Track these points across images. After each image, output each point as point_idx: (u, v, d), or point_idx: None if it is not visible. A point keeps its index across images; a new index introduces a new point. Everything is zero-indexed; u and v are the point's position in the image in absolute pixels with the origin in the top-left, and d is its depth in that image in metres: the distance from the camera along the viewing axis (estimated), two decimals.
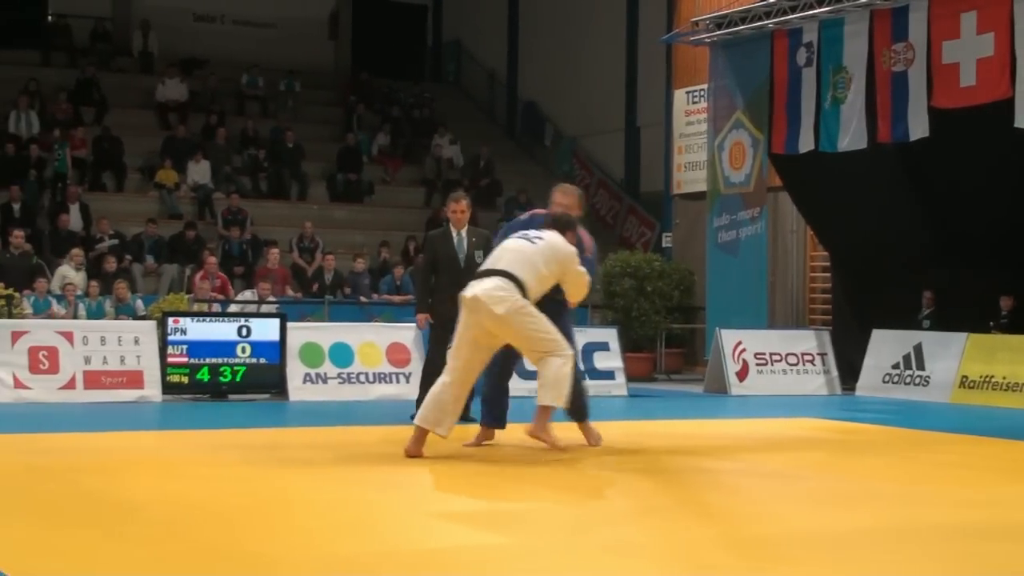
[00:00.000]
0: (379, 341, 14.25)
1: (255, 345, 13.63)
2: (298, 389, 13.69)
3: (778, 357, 15.83)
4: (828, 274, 18.17)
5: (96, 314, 15.62)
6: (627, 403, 14.24)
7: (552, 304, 8.58)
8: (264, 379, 13.74)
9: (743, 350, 15.72)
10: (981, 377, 14.46)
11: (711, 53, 17.53)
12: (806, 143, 15.81)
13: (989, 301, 15.25)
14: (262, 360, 13.65)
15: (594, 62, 25.25)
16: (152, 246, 19.79)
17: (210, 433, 10.49)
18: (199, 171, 21.93)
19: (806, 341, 16.18)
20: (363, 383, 13.95)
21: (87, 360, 13.06)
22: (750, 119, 16.75)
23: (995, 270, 15.03)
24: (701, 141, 19.07)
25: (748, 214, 16.92)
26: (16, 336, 12.95)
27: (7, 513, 6.38)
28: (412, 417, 10.85)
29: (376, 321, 16.39)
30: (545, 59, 26.84)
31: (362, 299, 18.31)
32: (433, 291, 11.09)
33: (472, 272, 11.02)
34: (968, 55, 14.02)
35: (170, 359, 13.32)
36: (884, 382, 15.39)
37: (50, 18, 27.03)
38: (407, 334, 14.15)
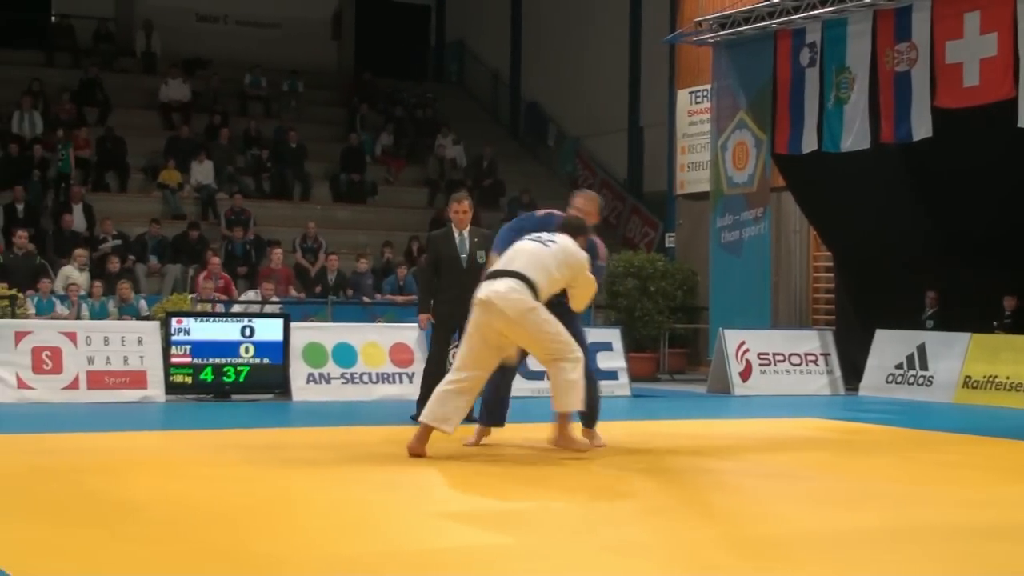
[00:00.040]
0: (382, 341, 14.25)
1: (258, 345, 13.63)
2: (301, 389, 13.69)
3: (781, 357, 15.83)
4: (831, 274, 18.17)
5: (99, 314, 15.64)
6: (630, 403, 14.24)
7: (558, 307, 8.60)
8: (267, 379, 13.74)
9: (746, 350, 15.71)
10: (984, 377, 14.45)
11: (714, 53, 17.53)
12: (809, 143, 15.81)
13: (992, 301, 15.24)
14: (265, 360, 13.65)
15: (597, 62, 25.25)
16: (155, 246, 19.80)
17: (213, 433, 10.49)
18: (202, 171, 21.94)
19: (809, 341, 16.17)
20: (366, 383, 13.95)
21: (90, 360, 13.06)
22: (753, 119, 16.75)
23: (998, 270, 15.02)
24: (704, 141, 19.07)
25: (751, 214, 16.92)
26: (20, 336, 12.94)
27: (10, 513, 6.38)
28: (412, 418, 10.90)
29: (379, 321, 16.39)
30: (548, 59, 26.84)
31: (365, 299, 18.32)
32: (435, 291, 11.09)
33: (474, 272, 11.06)
34: (971, 55, 14.02)
35: (173, 359, 13.32)
36: (887, 382, 15.38)
37: (53, 19, 27.06)
38: (410, 334, 14.14)
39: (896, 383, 15.28)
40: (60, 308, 15.64)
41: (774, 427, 11.69)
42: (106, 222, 19.65)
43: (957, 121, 14.18)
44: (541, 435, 8.92)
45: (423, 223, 22.17)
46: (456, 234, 11.09)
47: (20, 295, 15.04)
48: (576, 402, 8.42)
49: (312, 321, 15.96)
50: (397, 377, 14.01)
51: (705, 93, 19.12)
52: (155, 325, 13.76)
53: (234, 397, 13.54)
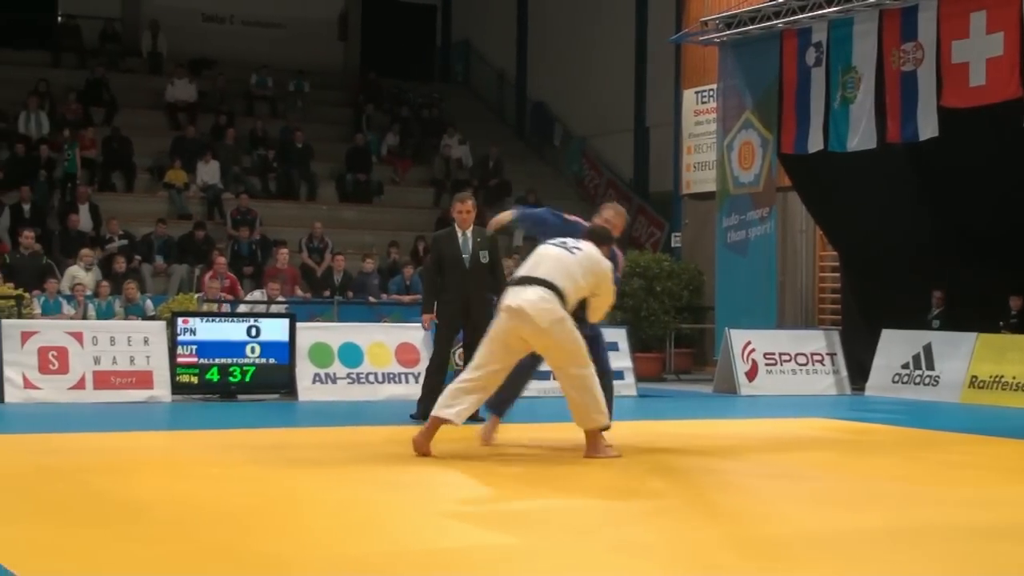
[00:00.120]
0: (388, 341, 14.25)
1: (264, 345, 13.64)
2: (307, 389, 13.69)
3: (787, 357, 15.81)
4: (837, 274, 18.15)
5: (106, 314, 15.64)
6: (636, 403, 14.23)
7: (580, 323, 8.61)
8: (273, 379, 13.74)
9: (752, 350, 15.71)
10: (991, 377, 14.43)
11: (720, 53, 17.52)
12: (815, 143, 15.81)
13: (999, 301, 15.22)
14: (271, 360, 13.66)
15: (603, 62, 25.24)
16: (161, 246, 19.82)
17: (219, 433, 10.50)
18: (208, 171, 21.96)
19: (815, 341, 16.15)
20: (372, 383, 13.95)
21: (97, 360, 13.07)
22: (759, 119, 16.74)
23: (1005, 270, 15.01)
24: (710, 141, 19.06)
25: (757, 214, 16.91)
26: (26, 336, 12.95)
27: (17, 513, 6.39)
28: (412, 416, 10.93)
29: (385, 321, 16.40)
30: (554, 59, 26.83)
31: (371, 299, 18.33)
32: (438, 291, 11.10)
33: (477, 272, 11.09)
34: (977, 55, 14.00)
35: (179, 359, 13.33)
36: (894, 382, 15.37)
37: (60, 19, 27.07)
38: (416, 334, 14.13)
39: (902, 383, 15.26)
40: (66, 308, 15.65)
41: (780, 427, 11.68)
42: (112, 222, 19.67)
43: (963, 121, 14.16)
44: (546, 435, 8.93)
45: (429, 223, 22.16)
46: (459, 234, 11.09)
47: (26, 295, 15.04)
48: (601, 419, 8.48)
49: (318, 321, 15.96)
50: (403, 377, 14.00)
51: (711, 93, 19.10)
52: (161, 325, 13.77)
53: (240, 397, 13.54)
